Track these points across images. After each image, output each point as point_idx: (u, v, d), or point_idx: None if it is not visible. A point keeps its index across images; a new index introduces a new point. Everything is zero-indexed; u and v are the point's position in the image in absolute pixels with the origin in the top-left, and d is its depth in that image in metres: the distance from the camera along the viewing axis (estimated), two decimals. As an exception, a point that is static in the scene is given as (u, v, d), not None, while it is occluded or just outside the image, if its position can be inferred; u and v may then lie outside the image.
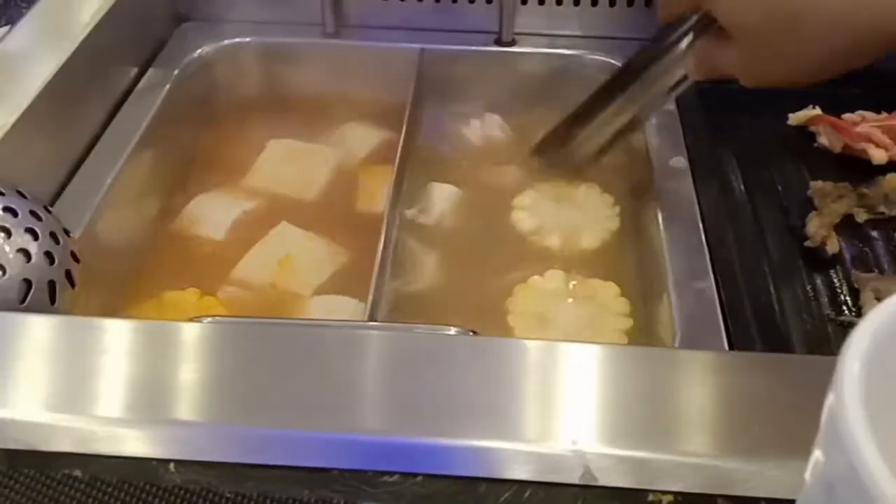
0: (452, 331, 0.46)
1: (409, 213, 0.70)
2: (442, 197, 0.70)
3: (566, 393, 0.43)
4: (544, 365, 0.44)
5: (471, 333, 0.46)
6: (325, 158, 0.76)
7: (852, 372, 0.25)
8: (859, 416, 0.24)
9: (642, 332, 0.62)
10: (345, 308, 0.64)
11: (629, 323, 0.63)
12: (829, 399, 0.26)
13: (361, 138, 0.78)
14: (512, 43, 0.80)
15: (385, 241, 0.61)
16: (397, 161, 0.68)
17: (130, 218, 0.67)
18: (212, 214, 0.71)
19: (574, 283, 0.65)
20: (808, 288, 0.61)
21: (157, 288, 0.65)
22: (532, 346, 0.45)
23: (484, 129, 0.78)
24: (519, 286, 0.65)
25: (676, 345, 0.54)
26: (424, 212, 0.70)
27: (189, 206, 0.71)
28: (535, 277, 0.65)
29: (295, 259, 0.68)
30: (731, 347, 0.54)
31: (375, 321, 0.55)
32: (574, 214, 0.71)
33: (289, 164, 0.77)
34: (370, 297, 0.56)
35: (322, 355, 0.43)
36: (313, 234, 0.69)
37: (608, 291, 0.65)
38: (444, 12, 0.81)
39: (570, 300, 0.64)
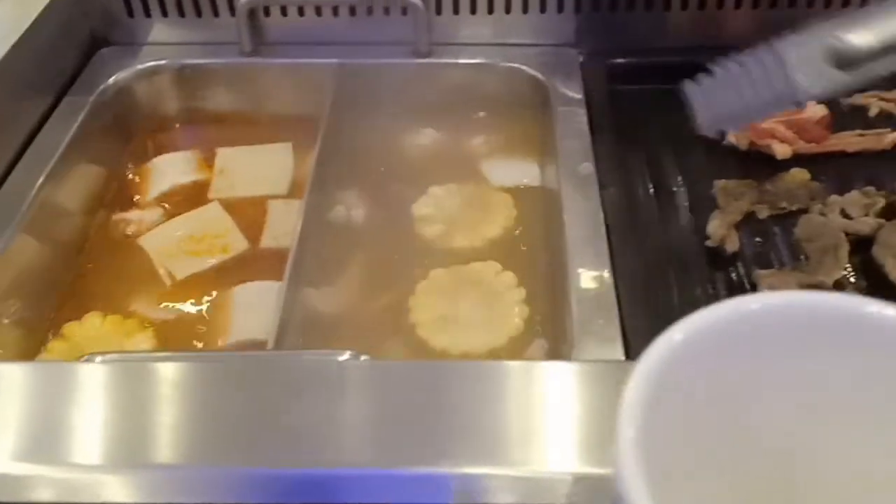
0: (345, 355, 0.47)
1: (328, 219, 0.71)
2: (355, 208, 0.72)
3: (452, 415, 0.43)
4: (430, 386, 0.45)
5: (362, 357, 0.47)
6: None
7: (627, 437, 0.26)
8: (636, 484, 0.25)
9: (545, 321, 0.63)
10: (269, 291, 0.64)
11: (525, 311, 0.64)
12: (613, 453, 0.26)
13: (278, 155, 0.79)
14: (429, 54, 0.81)
15: (295, 257, 0.62)
16: (311, 175, 0.69)
17: (48, 243, 0.67)
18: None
19: (457, 272, 0.67)
20: (709, 286, 0.63)
21: (81, 310, 0.65)
22: (418, 368, 0.46)
23: (403, 138, 0.79)
24: (411, 297, 0.66)
25: (572, 348, 0.55)
26: (338, 223, 0.71)
27: (112, 223, 0.72)
28: (422, 283, 0.66)
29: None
30: (627, 348, 0.55)
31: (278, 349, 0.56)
32: (475, 214, 0.72)
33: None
34: (278, 318, 0.57)
35: (204, 390, 0.44)
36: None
37: (488, 270, 0.67)
38: (362, 26, 0.82)
39: (461, 292, 0.66)
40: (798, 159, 0.72)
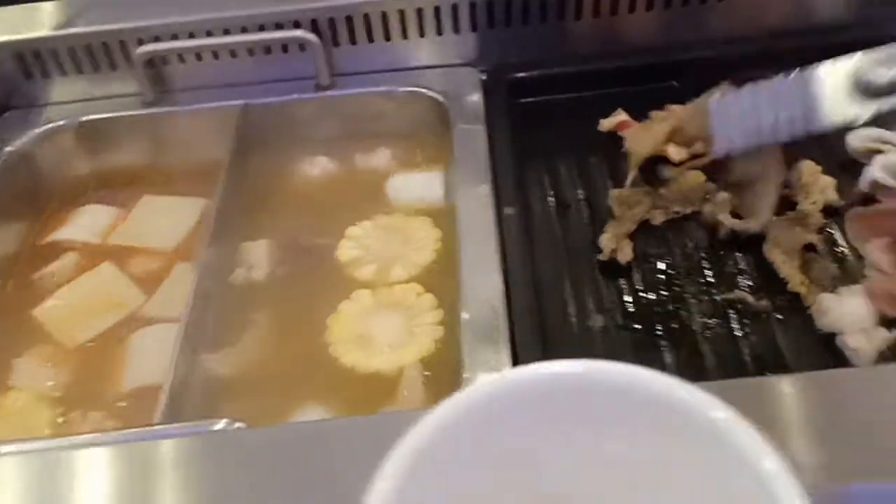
0: (220, 424, 0.47)
1: (235, 274, 0.71)
2: (261, 252, 0.71)
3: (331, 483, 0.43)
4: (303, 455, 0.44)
5: (238, 426, 0.47)
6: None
7: (380, 489, 0.26)
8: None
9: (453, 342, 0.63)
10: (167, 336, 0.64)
11: (440, 332, 0.64)
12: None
13: (185, 204, 0.79)
14: (331, 86, 0.81)
15: (193, 310, 0.63)
16: (213, 223, 0.70)
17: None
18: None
19: (380, 294, 0.68)
20: (601, 298, 0.63)
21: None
22: (292, 432, 0.46)
23: (310, 172, 0.80)
24: (331, 316, 0.67)
25: (464, 366, 0.56)
26: (248, 271, 0.71)
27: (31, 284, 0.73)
28: (345, 302, 0.67)
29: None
30: (515, 362, 0.56)
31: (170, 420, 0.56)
32: (401, 245, 0.72)
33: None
34: (170, 379, 0.58)
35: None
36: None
37: (410, 293, 0.68)
38: (263, 65, 0.82)
39: (382, 313, 0.66)
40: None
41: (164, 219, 0.79)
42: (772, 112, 0.53)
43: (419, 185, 0.78)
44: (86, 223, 0.79)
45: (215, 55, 0.81)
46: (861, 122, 0.52)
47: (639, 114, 0.76)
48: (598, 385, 0.31)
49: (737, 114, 0.55)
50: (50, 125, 0.80)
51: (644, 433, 0.30)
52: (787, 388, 0.46)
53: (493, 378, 0.31)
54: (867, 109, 0.51)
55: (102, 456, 0.46)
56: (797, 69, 0.54)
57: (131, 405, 0.62)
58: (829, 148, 0.71)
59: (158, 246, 0.76)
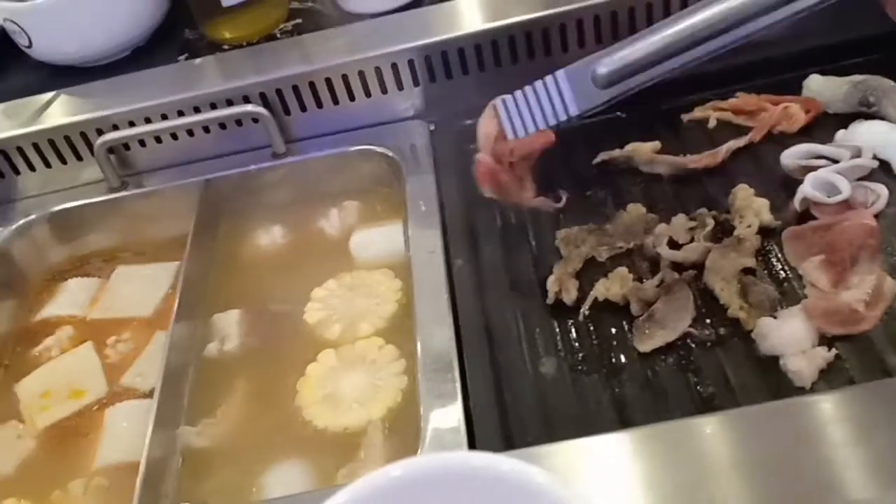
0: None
1: (209, 348, 0.73)
2: (231, 323, 0.74)
3: None
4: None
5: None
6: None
7: None
8: None
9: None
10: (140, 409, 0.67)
11: (405, 381, 0.67)
12: None
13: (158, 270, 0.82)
14: (286, 153, 0.84)
15: (166, 385, 0.66)
16: (180, 298, 0.73)
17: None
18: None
19: (344, 352, 0.70)
20: (553, 341, 0.64)
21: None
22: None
23: (273, 238, 0.82)
24: (300, 379, 0.69)
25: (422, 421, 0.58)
26: (220, 343, 0.73)
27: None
28: (312, 364, 0.70)
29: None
30: (468, 412, 0.58)
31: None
32: (366, 300, 0.74)
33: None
34: (145, 460, 0.60)
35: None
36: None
37: (372, 346, 0.70)
38: (221, 139, 0.85)
39: (347, 370, 0.69)
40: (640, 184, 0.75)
41: (140, 286, 0.82)
42: (543, 104, 0.66)
43: (380, 238, 0.80)
44: (70, 298, 0.83)
45: (173, 136, 0.85)
46: (595, 107, 0.65)
47: (589, 149, 0.78)
48: (476, 474, 0.32)
49: (515, 109, 0.67)
50: (24, 220, 0.83)
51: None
52: (712, 427, 0.48)
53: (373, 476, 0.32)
54: (601, 97, 0.65)
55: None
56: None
57: (106, 484, 0.64)
58: (766, 168, 0.73)
59: (137, 314, 0.79)
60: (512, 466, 0.30)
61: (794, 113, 0.74)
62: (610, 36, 0.80)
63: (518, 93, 0.67)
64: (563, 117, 0.66)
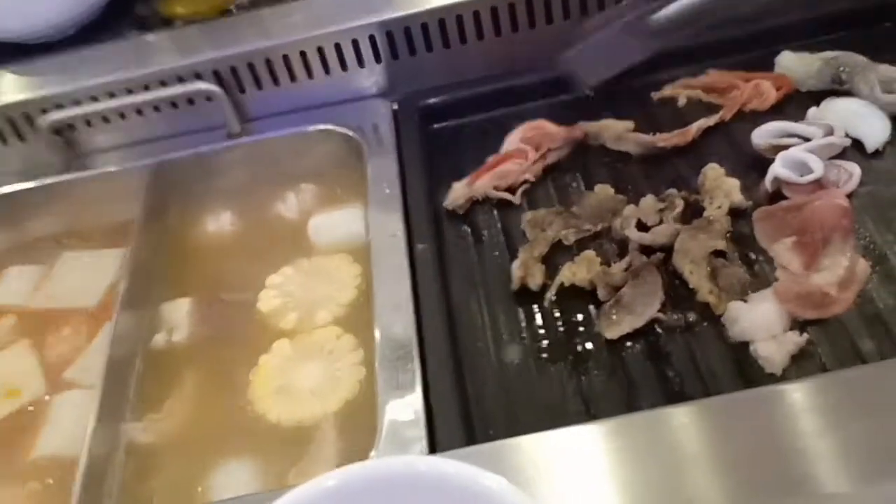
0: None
1: (156, 339, 0.70)
2: (181, 312, 0.71)
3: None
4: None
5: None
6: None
7: None
8: None
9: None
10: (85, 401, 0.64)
11: (362, 372, 0.64)
12: None
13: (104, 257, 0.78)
14: (240, 133, 0.80)
15: (108, 378, 0.62)
16: (126, 286, 0.69)
17: None
18: None
19: (300, 341, 0.67)
20: (517, 328, 0.61)
21: None
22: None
23: (228, 223, 0.78)
24: (253, 371, 0.66)
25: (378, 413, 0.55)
26: (168, 334, 0.70)
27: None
28: (265, 355, 0.67)
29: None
30: (427, 403, 0.56)
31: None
32: (324, 286, 0.71)
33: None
34: (86, 455, 0.57)
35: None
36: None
37: (330, 336, 0.67)
38: (172, 119, 0.81)
39: (303, 360, 0.66)
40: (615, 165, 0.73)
41: (86, 274, 0.77)
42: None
43: (340, 222, 0.77)
44: (11, 287, 0.78)
45: (122, 115, 0.81)
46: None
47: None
48: (421, 479, 0.30)
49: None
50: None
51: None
52: (680, 418, 0.46)
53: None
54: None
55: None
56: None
57: (46, 481, 0.61)
58: (737, 147, 0.71)
59: (82, 304, 0.75)
60: (457, 470, 0.27)
61: (765, 90, 0.72)
62: (578, 11, 0.78)
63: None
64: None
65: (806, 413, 0.45)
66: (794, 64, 0.74)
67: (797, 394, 0.46)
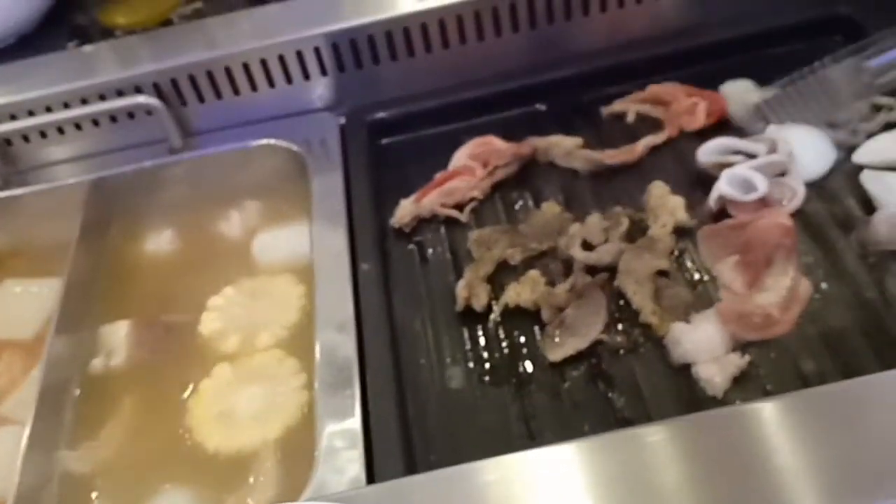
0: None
1: (93, 364, 0.67)
2: (119, 335, 0.68)
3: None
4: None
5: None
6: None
7: None
8: None
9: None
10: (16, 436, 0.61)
11: (305, 396, 0.62)
12: None
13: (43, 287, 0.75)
14: (182, 148, 0.78)
15: (42, 408, 0.60)
16: (60, 310, 0.66)
17: None
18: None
19: (241, 366, 0.65)
20: (461, 350, 0.60)
21: None
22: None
23: (168, 242, 0.76)
24: (192, 397, 0.64)
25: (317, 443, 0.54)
26: (106, 358, 0.67)
27: None
28: (205, 380, 0.65)
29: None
30: (367, 431, 0.54)
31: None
32: (267, 308, 0.69)
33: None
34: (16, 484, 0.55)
35: None
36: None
37: (272, 360, 0.66)
38: (112, 134, 0.79)
39: (244, 385, 0.64)
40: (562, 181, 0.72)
41: (21, 304, 0.75)
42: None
43: (284, 241, 0.75)
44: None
45: (60, 130, 0.78)
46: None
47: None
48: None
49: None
50: None
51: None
52: (616, 446, 0.45)
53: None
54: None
55: None
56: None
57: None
58: (684, 164, 0.70)
59: (16, 336, 0.72)
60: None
61: (697, 112, 0.71)
62: (527, 24, 0.77)
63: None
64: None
65: (745, 440, 0.44)
66: (734, 97, 0.72)
67: (737, 419, 0.46)
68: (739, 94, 0.73)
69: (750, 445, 0.45)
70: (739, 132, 0.70)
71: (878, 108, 0.70)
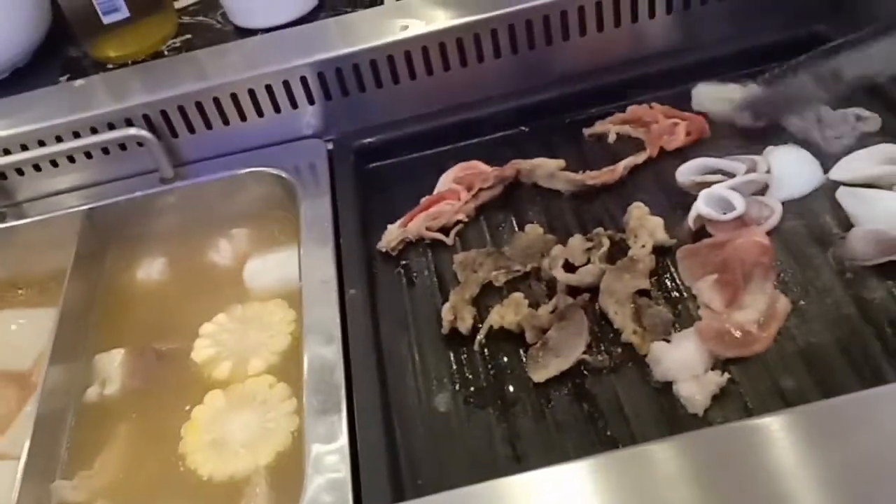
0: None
1: (88, 393, 0.68)
2: (113, 364, 0.69)
3: None
4: None
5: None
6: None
7: None
8: None
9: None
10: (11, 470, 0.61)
11: (296, 422, 0.63)
12: None
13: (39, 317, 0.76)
14: (174, 178, 0.80)
15: (37, 438, 0.61)
16: (55, 340, 0.67)
17: None
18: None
19: (233, 392, 0.66)
20: (449, 373, 0.61)
21: None
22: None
23: (161, 270, 0.78)
24: (185, 424, 0.65)
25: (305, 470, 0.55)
26: (101, 386, 0.68)
27: None
28: (198, 407, 0.66)
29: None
30: (355, 452, 0.55)
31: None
32: (258, 333, 0.70)
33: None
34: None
35: None
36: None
37: (262, 386, 0.67)
38: (105, 165, 0.81)
39: (235, 412, 0.65)
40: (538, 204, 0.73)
41: (17, 334, 0.76)
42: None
43: (275, 266, 0.76)
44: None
45: (53, 163, 0.80)
46: None
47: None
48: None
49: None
50: None
51: None
52: (601, 468, 0.46)
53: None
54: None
55: None
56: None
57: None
58: (664, 185, 0.72)
59: (15, 367, 0.73)
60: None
61: (677, 132, 0.72)
62: (509, 50, 0.79)
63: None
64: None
65: (727, 461, 0.45)
66: (709, 100, 0.73)
67: (716, 440, 0.47)
68: (713, 93, 0.74)
69: (741, 465, 0.46)
70: (720, 149, 0.71)
71: (857, 118, 0.71)
